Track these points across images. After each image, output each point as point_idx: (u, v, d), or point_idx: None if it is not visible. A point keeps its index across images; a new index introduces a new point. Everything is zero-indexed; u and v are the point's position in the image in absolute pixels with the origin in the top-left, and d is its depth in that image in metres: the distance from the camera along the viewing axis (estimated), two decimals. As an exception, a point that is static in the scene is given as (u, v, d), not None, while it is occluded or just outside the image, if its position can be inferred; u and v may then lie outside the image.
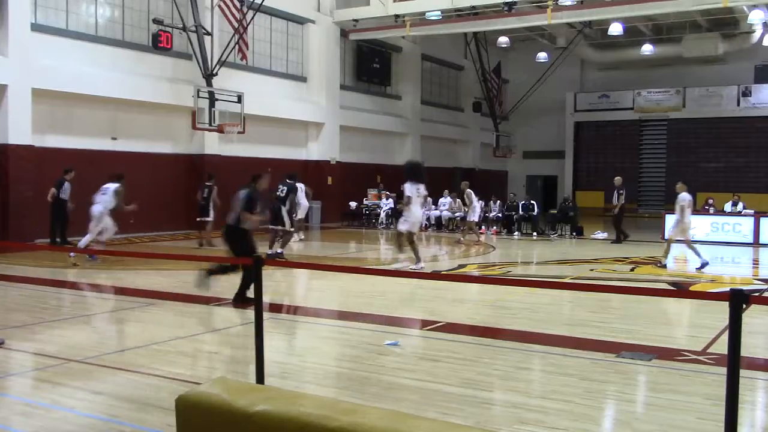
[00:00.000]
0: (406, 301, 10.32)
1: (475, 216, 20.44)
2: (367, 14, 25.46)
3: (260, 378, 5.46)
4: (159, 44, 18.83)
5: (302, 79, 25.48)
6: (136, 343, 7.29)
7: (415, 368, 6.50)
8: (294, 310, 9.74)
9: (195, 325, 8.60)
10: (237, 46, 20.73)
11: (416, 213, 13.57)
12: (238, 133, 20.94)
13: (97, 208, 13.63)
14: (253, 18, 21.14)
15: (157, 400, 5.37)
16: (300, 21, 25.20)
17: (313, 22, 25.33)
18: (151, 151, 20.38)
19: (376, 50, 29.02)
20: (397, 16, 24.75)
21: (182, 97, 19.95)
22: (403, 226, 13.63)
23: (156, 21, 19.08)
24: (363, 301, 10.11)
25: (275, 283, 11.30)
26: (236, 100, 20.68)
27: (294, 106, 24.64)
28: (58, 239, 16.20)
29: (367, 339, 7.65)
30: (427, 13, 24.98)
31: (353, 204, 26.09)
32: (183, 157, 21.26)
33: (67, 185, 16.02)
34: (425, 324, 8.47)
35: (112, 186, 13.89)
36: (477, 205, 20.46)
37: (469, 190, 20.44)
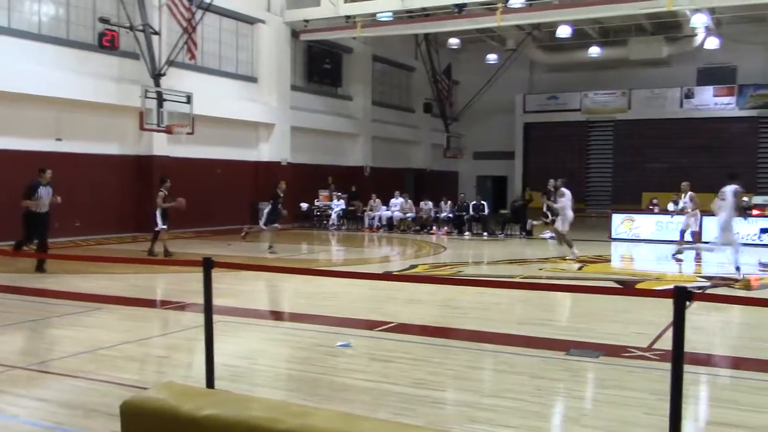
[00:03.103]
0: (358, 302, 10.30)
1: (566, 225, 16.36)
2: (318, 15, 25.37)
3: (210, 382, 5.39)
4: (105, 43, 18.48)
5: (252, 79, 25.27)
6: (83, 349, 7.13)
7: (366, 369, 6.49)
8: (245, 312, 9.63)
9: (143, 329, 8.45)
10: (186, 46, 20.45)
11: (570, 215, 16.04)
12: (187, 134, 20.66)
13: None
14: (202, 17, 20.88)
15: (102, 406, 5.25)
16: (250, 21, 24.99)
17: (263, 22, 25.15)
18: (97, 152, 19.97)
19: (327, 51, 28.95)
20: (348, 17, 24.71)
21: (129, 97, 19.59)
22: (563, 226, 15.88)
23: (102, 20, 18.72)
24: (314, 303, 10.06)
25: (226, 286, 11.17)
26: (185, 101, 20.40)
27: (244, 106, 24.42)
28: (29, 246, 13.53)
29: (318, 340, 7.61)
30: (378, 15, 24.99)
31: (304, 205, 25.96)
32: (130, 158, 20.90)
33: (42, 190, 12.91)
34: (377, 325, 8.46)
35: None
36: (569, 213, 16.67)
37: (563, 189, 16.54)
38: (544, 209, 20.02)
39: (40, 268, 12.71)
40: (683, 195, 16.79)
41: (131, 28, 19.38)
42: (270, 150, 25.76)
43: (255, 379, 6.19)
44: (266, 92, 25.42)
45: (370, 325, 8.57)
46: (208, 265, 5.41)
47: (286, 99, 26.05)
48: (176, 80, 20.90)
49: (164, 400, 2.98)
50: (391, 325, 8.41)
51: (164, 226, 15.46)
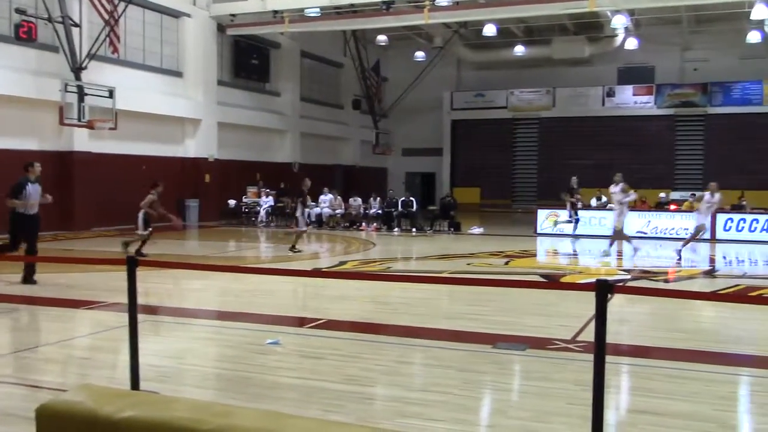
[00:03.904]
0: (287, 300, 10.24)
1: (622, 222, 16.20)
2: (245, 9, 25.09)
3: (135, 383, 5.28)
4: (22, 35, 17.81)
5: (178, 74, 24.78)
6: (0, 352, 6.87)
7: (296, 366, 6.46)
8: (171, 311, 9.45)
9: (65, 330, 8.20)
10: (108, 39, 19.90)
11: (627, 212, 16.22)
12: (110, 129, 20.11)
13: None
14: (125, 10, 20.35)
15: (20, 411, 5.06)
16: (175, 14, 24.49)
17: (188, 15, 24.68)
18: (14, 147, 19.20)
19: (255, 46, 28.62)
20: (275, 12, 24.49)
21: (48, 91, 18.93)
22: (620, 223, 15.92)
23: (18, 11, 18.03)
24: (243, 301, 9.95)
25: (152, 285, 10.93)
26: (107, 95, 19.85)
27: (169, 101, 23.93)
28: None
29: (247, 339, 7.53)
30: (305, 10, 24.85)
31: (232, 202, 25.66)
32: (50, 154, 20.18)
33: (30, 188, 11.15)
34: (306, 322, 8.43)
35: None
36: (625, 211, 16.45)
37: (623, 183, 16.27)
38: (568, 207, 20.03)
39: (28, 279, 10.97)
40: (710, 194, 15.27)
41: (50, 19, 18.72)
42: (196, 146, 25.33)
43: (182, 379, 6.09)
44: (192, 87, 24.97)
45: (300, 322, 8.53)
46: (132, 263, 5.29)
47: (212, 94, 25.65)
48: (98, 74, 20.31)
49: (82, 403, 2.89)
50: (321, 321, 8.39)
51: (144, 233, 14.82)
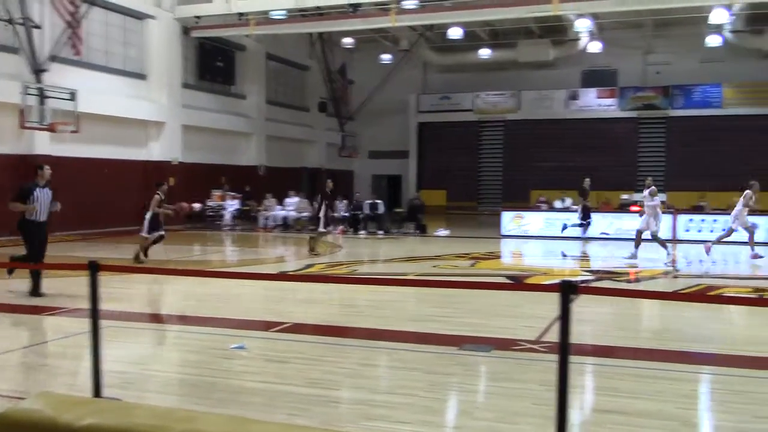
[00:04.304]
0: (252, 304, 10.17)
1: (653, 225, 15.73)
2: (210, 11, 24.87)
3: (97, 390, 5.20)
4: (-20, 36, 17.51)
5: (141, 76, 24.50)
6: (-44, 359, 6.72)
7: (261, 371, 6.42)
8: (136, 317, 9.33)
9: (25, 337, 8.06)
10: (70, 41, 19.61)
11: (661, 215, 15.79)
12: (72, 132, 19.81)
13: None
14: (87, 12, 20.07)
15: (-21, 420, 4.96)
16: (139, 16, 24.21)
17: (152, 17, 24.40)
18: (-27, 151, 18.89)
19: (220, 48, 28.42)
20: (240, 14, 24.35)
21: (8, 93, 18.57)
22: (654, 226, 15.41)
23: (-23, 12, 17.73)
24: (208, 305, 9.86)
25: (115, 290, 10.79)
26: (69, 98, 19.55)
27: (133, 104, 23.63)
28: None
29: (212, 343, 7.47)
30: (271, 12, 24.75)
31: (197, 205, 25.41)
32: (10, 157, 19.80)
33: (39, 193, 10.19)
34: (272, 326, 8.38)
35: None
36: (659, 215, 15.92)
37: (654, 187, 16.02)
38: (579, 210, 19.72)
39: (35, 292, 10.16)
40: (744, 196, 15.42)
41: (10, 21, 18.41)
42: (161, 149, 25.05)
43: (146, 386, 6.02)
44: (156, 90, 24.70)
45: (265, 326, 8.48)
46: (93, 268, 5.21)
47: (177, 97, 25.41)
48: (60, 76, 19.99)
49: (41, 411, 2.84)
50: (287, 325, 8.34)
51: (148, 235, 14.56)
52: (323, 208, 16.72)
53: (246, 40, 28.85)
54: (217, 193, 26.10)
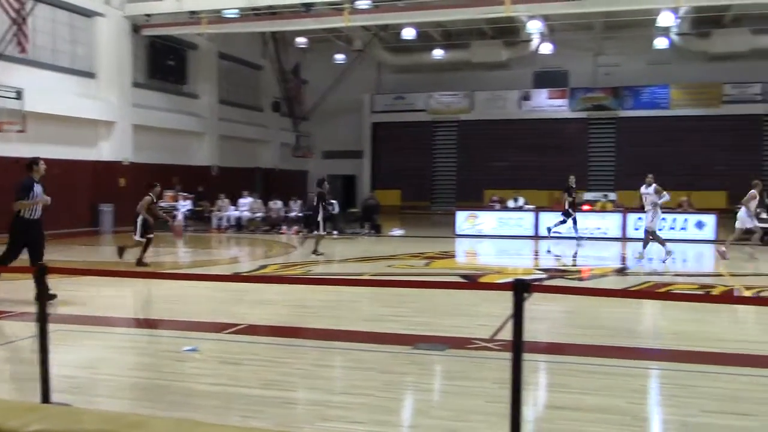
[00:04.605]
0: (205, 305, 10.06)
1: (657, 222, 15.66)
2: (161, 9, 24.52)
3: (45, 396, 5.08)
4: None
5: (90, 75, 24.03)
6: None
7: (215, 373, 6.35)
8: (86, 320, 9.14)
9: (-31, 341, 7.83)
10: (15, 38, 19.14)
11: (660, 214, 15.63)
12: (18, 132, 19.34)
13: None
14: (33, 8, 19.61)
15: None
16: (87, 14, 23.74)
17: (101, 15, 23.96)
18: None
19: (171, 47, 28.03)
20: (192, 12, 24.06)
21: (-50, 92, 18.11)
22: (654, 224, 15.26)
23: None
24: (160, 307, 9.73)
25: (64, 292, 10.56)
26: (15, 96, 19.10)
27: (82, 103, 23.16)
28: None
29: (164, 346, 7.37)
30: (223, 11, 24.51)
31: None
32: (-47, 158, 19.31)
33: (37, 189, 10.31)
34: (225, 327, 8.29)
35: None
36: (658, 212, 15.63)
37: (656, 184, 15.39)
38: (566, 206, 19.21)
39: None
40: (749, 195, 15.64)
41: (-48, 17, 17.93)
42: (111, 149, 24.60)
43: (96, 390, 5.91)
44: (106, 88, 24.25)
45: (219, 327, 8.38)
46: (41, 271, 5.10)
47: (127, 96, 24.98)
48: (5, 75, 19.48)
49: (-15, 418, 2.76)
50: (240, 327, 8.27)
51: (141, 239, 14.15)
52: (321, 210, 16.54)
53: (198, 39, 28.52)
54: (169, 193, 25.72)
